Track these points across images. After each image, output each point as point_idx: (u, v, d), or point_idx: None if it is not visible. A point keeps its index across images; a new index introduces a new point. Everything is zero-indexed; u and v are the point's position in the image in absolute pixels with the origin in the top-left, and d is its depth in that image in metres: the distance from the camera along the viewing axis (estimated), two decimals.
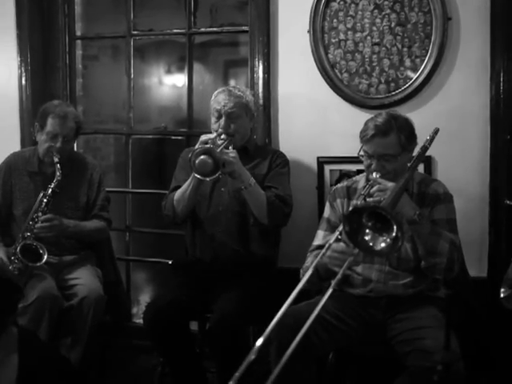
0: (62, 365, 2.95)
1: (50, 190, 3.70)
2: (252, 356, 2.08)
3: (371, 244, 2.63)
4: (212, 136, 3.48)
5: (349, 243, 2.72)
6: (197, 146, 3.39)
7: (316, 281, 3.05)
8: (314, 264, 2.66)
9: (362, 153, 3.10)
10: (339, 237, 2.76)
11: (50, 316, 3.51)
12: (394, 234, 2.55)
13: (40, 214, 3.67)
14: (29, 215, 3.70)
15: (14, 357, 2.67)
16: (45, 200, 3.69)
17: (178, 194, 3.62)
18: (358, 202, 2.94)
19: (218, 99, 3.63)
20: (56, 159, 3.75)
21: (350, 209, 2.66)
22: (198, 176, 3.30)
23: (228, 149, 3.46)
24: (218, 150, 3.33)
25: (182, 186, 3.62)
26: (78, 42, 4.85)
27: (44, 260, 3.62)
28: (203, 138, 3.45)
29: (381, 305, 3.14)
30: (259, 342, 2.12)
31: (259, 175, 3.61)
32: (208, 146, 3.34)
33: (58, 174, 3.72)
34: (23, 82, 4.61)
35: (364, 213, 2.64)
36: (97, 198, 3.98)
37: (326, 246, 2.75)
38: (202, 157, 3.27)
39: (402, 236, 2.55)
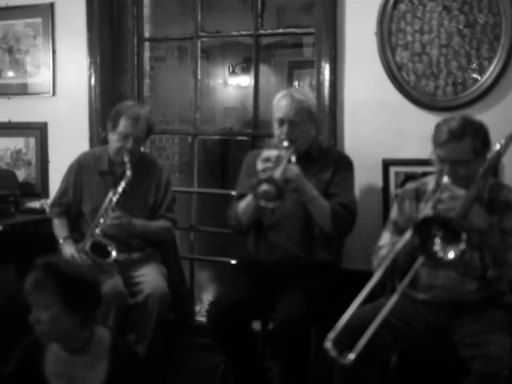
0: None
1: (121, 188, 3.76)
2: None
3: (441, 255, 2.61)
4: (274, 153, 3.37)
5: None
6: (259, 166, 3.34)
7: (391, 271, 2.97)
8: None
9: (434, 157, 3.03)
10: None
11: (117, 313, 3.57)
12: (462, 247, 2.53)
13: (109, 211, 3.74)
14: (98, 213, 3.77)
15: (104, 362, 2.62)
16: (114, 198, 3.75)
17: (242, 206, 3.58)
18: (428, 212, 2.88)
19: (280, 105, 3.56)
20: (126, 159, 3.80)
21: (419, 219, 2.63)
22: (262, 204, 3.22)
23: (291, 160, 3.41)
24: (280, 169, 3.24)
25: (246, 193, 3.58)
26: (146, 43, 4.92)
27: (113, 257, 3.69)
28: (265, 154, 3.38)
29: (445, 309, 3.10)
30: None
31: (323, 181, 3.57)
32: (269, 174, 3.23)
33: (128, 173, 3.77)
34: (92, 82, 4.67)
35: (434, 223, 2.61)
36: (164, 198, 4.02)
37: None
38: (264, 187, 3.18)
39: (469, 250, 2.52)
